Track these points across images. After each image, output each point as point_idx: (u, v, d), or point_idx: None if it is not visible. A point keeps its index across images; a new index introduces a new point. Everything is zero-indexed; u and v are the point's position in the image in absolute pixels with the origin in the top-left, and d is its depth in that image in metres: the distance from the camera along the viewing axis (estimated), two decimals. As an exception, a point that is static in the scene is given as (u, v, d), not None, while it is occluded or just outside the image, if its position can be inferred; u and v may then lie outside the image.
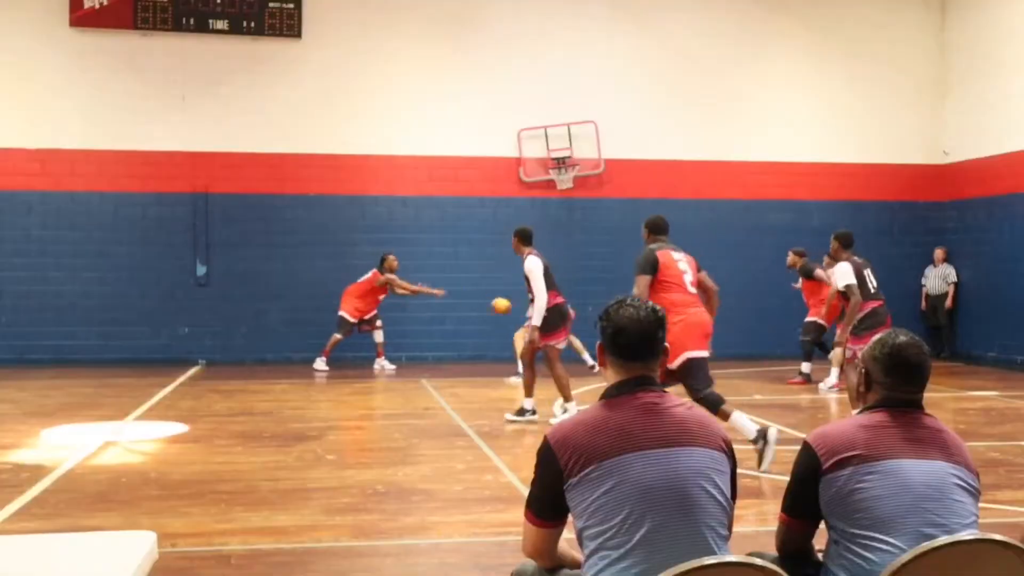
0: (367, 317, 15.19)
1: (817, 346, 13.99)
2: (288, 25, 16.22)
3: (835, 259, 10.82)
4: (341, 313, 15.01)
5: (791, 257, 14.29)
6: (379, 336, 15.41)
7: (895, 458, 3.06)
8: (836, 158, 17.68)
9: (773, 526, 3.35)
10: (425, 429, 9.86)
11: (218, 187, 16.08)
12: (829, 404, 12.10)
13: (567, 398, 10.17)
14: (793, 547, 3.28)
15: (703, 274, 8.74)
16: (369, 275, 15.09)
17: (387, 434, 9.75)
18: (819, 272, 13.83)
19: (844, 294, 10.20)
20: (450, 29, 16.77)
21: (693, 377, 7.94)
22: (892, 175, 17.80)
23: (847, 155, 17.70)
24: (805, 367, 13.78)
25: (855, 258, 10.40)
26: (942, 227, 17.77)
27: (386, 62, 16.56)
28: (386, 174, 16.57)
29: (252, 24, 16.14)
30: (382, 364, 15.36)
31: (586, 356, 14.65)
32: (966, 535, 2.87)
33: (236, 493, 7.06)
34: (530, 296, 10.17)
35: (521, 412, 10.26)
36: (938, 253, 17.35)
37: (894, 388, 3.20)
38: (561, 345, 10.28)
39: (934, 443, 3.13)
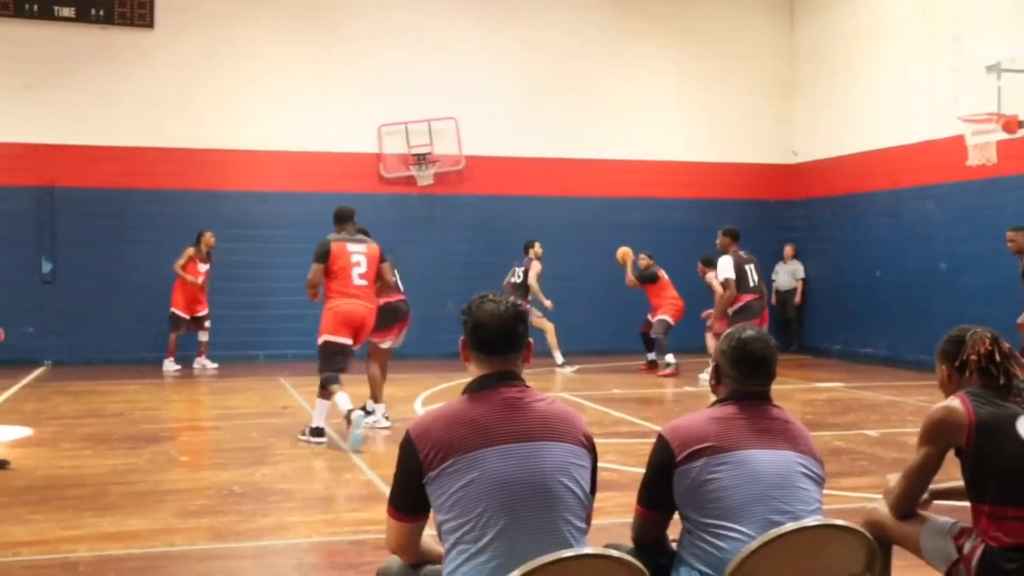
0: (199, 314, 14.83)
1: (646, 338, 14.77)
2: (140, 14, 15.72)
3: (724, 252, 11.24)
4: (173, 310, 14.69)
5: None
6: (204, 336, 15.07)
7: (744, 449, 3.15)
8: (692, 157, 18.11)
9: (630, 518, 3.41)
10: (283, 428, 9.70)
11: (65, 181, 15.47)
12: (683, 398, 12.38)
13: (376, 398, 9.81)
14: (648, 538, 3.35)
15: (385, 265, 9.16)
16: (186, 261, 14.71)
17: (244, 434, 9.55)
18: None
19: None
20: (310, 22, 16.54)
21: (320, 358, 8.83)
22: (745, 174, 18.34)
23: (703, 154, 18.16)
24: (670, 357, 14.22)
25: (740, 253, 10.91)
26: (791, 224, 18.40)
27: (243, 55, 16.22)
28: (243, 169, 16.23)
29: (101, 12, 15.58)
30: (203, 363, 15.03)
31: (557, 354, 14.56)
32: (810, 521, 2.97)
33: (84, 498, 6.81)
34: None
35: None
36: (787, 250, 17.96)
37: (741, 381, 3.30)
38: (386, 344, 9.89)
39: (781, 434, 3.23)
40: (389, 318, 9.71)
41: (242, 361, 15.52)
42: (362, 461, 8.14)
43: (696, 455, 3.14)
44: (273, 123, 16.29)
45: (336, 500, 6.98)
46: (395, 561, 3.26)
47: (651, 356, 14.61)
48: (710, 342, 11.81)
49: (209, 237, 14.78)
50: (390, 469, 3.14)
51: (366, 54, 16.65)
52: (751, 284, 11.02)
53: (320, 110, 16.45)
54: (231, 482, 7.35)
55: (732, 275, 10.82)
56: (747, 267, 11.09)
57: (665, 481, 3.19)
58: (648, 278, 14.73)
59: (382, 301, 9.48)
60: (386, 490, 3.18)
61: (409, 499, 3.04)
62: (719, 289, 12.13)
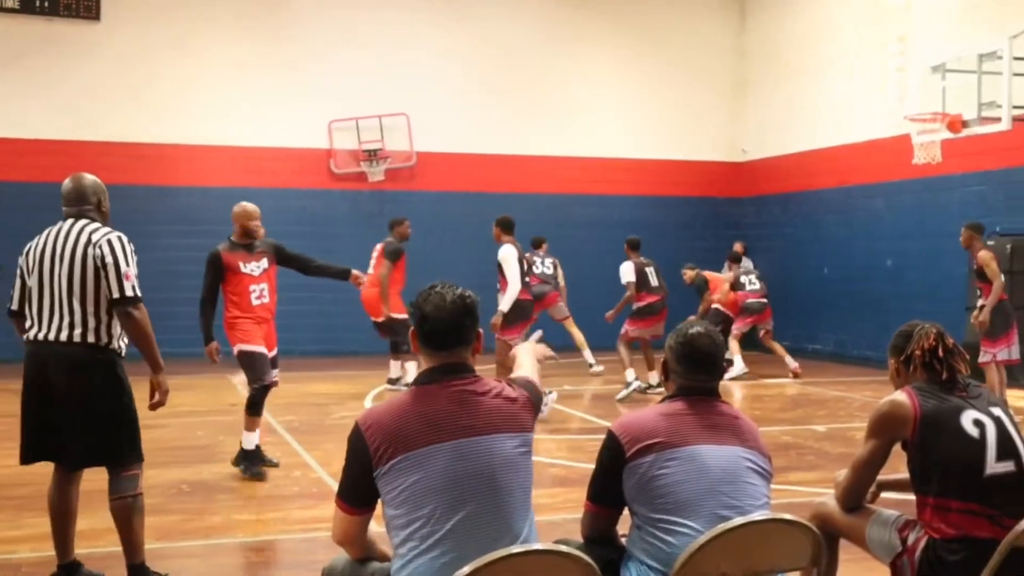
0: None
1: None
2: (86, 6, 15.49)
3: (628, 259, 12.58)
4: None
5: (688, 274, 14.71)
6: None
7: (693, 444, 3.17)
8: (642, 154, 18.19)
9: (581, 514, 3.42)
10: (231, 426, 9.58)
11: (5, 175, 15.20)
12: (633, 395, 12.42)
13: None
14: (598, 533, 3.35)
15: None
16: None
17: (191, 432, 9.45)
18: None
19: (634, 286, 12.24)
20: (260, 16, 16.39)
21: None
22: (694, 171, 18.46)
23: (653, 151, 18.25)
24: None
25: (640, 259, 12.35)
26: (741, 222, 18.55)
27: (191, 48, 16.03)
28: (191, 164, 16.05)
29: (46, 4, 15.33)
30: None
31: (587, 353, 13.83)
32: (758, 516, 2.99)
33: (27, 498, 6.67)
34: None
35: None
36: (737, 247, 18.07)
37: (687, 376, 3.33)
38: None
39: (729, 429, 3.25)
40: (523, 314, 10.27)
41: (191, 358, 15.33)
42: (312, 459, 8.08)
43: (645, 451, 3.14)
44: (222, 118, 16.12)
45: (286, 498, 6.92)
46: (340, 559, 3.24)
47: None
48: (622, 349, 12.27)
49: None
50: (339, 466, 3.12)
51: (317, 49, 16.53)
52: (652, 285, 12.33)
53: (270, 105, 16.31)
54: (179, 480, 7.28)
55: (633, 279, 12.24)
56: (647, 270, 12.39)
57: (614, 477, 3.20)
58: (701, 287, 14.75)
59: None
60: (336, 487, 3.16)
61: (358, 492, 3.02)
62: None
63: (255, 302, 7.56)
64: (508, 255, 10.29)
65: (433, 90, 16.99)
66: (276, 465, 7.76)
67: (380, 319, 12.31)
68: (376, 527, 3.08)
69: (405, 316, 12.02)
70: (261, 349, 7.55)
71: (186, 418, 10.44)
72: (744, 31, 18.75)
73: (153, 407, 4.95)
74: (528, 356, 3.55)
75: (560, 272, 13.47)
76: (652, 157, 18.24)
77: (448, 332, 3.07)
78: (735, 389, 12.87)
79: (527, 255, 11.40)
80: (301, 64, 16.46)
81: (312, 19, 16.58)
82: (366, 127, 16.64)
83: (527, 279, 10.52)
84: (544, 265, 13.12)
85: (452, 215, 16.98)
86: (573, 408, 10.94)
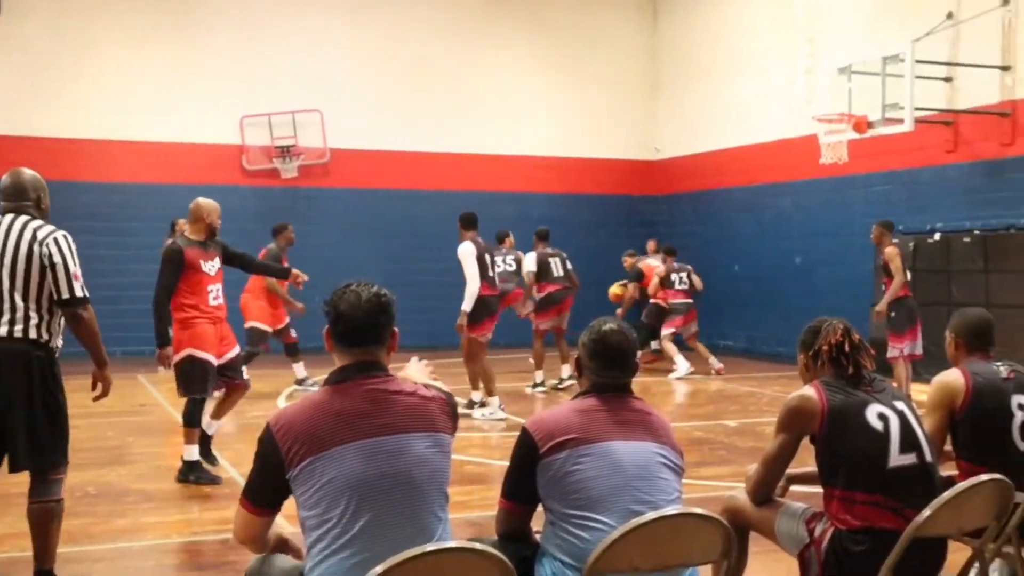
0: None
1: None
2: (-14, -3, 15.05)
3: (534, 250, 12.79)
4: None
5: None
6: None
7: (606, 440, 3.20)
8: (558, 152, 18.29)
9: (495, 511, 3.42)
10: (141, 426, 9.44)
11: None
12: (548, 393, 12.48)
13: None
14: (512, 530, 3.37)
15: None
16: None
17: (99, 433, 9.24)
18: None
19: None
20: (169, 8, 16.09)
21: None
22: (609, 169, 18.62)
23: (567, 149, 18.35)
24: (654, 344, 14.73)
25: (547, 250, 12.61)
26: (654, 219, 18.75)
27: (97, 40, 15.68)
28: (98, 159, 15.69)
29: (-56, -6, 14.86)
30: None
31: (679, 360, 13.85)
32: (670, 510, 3.03)
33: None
34: None
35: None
36: (650, 244, 18.22)
37: (600, 372, 3.35)
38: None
39: (642, 425, 3.29)
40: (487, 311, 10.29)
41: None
42: (224, 459, 7.96)
43: (559, 447, 3.16)
44: (130, 112, 15.79)
45: (197, 499, 6.82)
46: (257, 560, 3.20)
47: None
48: (537, 345, 12.45)
49: None
50: (248, 467, 3.07)
51: (229, 43, 16.29)
52: (554, 276, 12.50)
53: (180, 99, 16.02)
54: (85, 483, 7.12)
55: (534, 268, 12.47)
56: (551, 260, 12.55)
57: (528, 473, 3.21)
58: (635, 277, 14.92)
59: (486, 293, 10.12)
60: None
61: (265, 493, 3.00)
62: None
63: (212, 303, 7.24)
64: (466, 252, 10.23)
65: (347, 86, 16.87)
66: (215, 463, 7.58)
67: (280, 326, 12.13)
68: (291, 527, 3.05)
69: (261, 325, 11.86)
70: (211, 359, 7.18)
71: (94, 419, 10.18)
72: (657, 31, 18.96)
73: (97, 398, 4.89)
74: (417, 374, 3.49)
75: (525, 268, 13.21)
76: (567, 155, 18.35)
77: (362, 330, 3.05)
78: (653, 386, 13.01)
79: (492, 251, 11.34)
80: (212, 58, 16.21)
81: (225, 12, 16.33)
82: (279, 123, 16.44)
83: (492, 275, 10.40)
84: (506, 263, 12.91)
85: (366, 212, 16.89)
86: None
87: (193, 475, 7.23)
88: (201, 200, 7.38)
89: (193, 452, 7.29)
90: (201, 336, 7.13)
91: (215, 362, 7.23)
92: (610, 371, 3.35)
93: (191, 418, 7.25)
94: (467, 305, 10.14)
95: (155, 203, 15.61)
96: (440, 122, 17.53)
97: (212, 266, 7.26)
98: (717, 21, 17.43)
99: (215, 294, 7.26)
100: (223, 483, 7.21)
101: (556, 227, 17.58)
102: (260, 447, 2.98)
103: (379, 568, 2.52)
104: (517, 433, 3.34)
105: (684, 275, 14.38)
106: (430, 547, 2.60)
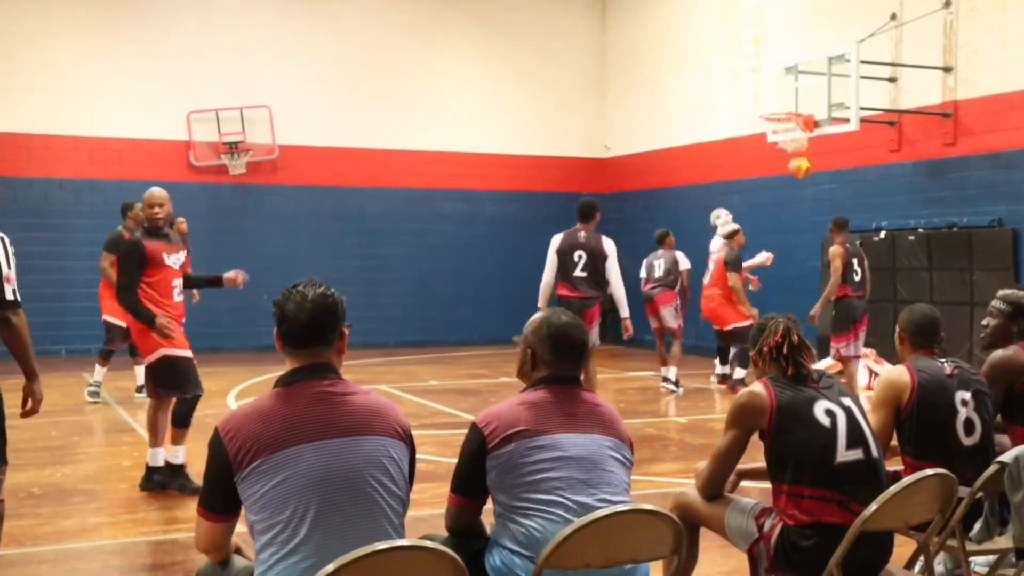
0: None
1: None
2: (-75, -12, 14.74)
3: None
4: None
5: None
6: None
7: (556, 433, 3.21)
8: (507, 149, 18.29)
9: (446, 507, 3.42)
10: (87, 425, 9.31)
11: None
12: (500, 388, 12.51)
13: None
14: (462, 525, 3.37)
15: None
16: None
17: (43, 432, 9.09)
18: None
19: None
20: (113, 1, 15.86)
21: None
22: (558, 167, 18.66)
23: (517, 147, 18.37)
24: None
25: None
26: (605, 217, 18.59)
27: (41, 33, 15.41)
28: (41, 154, 15.43)
29: None
30: None
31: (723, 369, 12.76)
32: (621, 507, 3.04)
33: None
34: None
35: None
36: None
37: (557, 365, 3.37)
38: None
39: (591, 417, 3.31)
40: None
41: (41, 356, 14.75)
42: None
43: (508, 440, 3.17)
44: (73, 106, 15.55)
45: (145, 499, 6.72)
46: (208, 565, 3.17)
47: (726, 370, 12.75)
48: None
49: None
50: (201, 466, 3.05)
51: (175, 37, 16.09)
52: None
53: (124, 94, 15.80)
54: (29, 483, 7.01)
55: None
56: (655, 263, 12.70)
57: (478, 468, 3.22)
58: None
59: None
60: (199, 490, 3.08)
61: (219, 498, 2.95)
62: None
63: (177, 298, 6.81)
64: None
65: (296, 83, 16.75)
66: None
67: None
68: (240, 527, 3.02)
69: (116, 320, 10.35)
70: (189, 354, 6.79)
71: (38, 418, 10.03)
72: (605, 29, 19.03)
73: (26, 415, 4.64)
74: None
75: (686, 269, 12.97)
76: (517, 152, 18.36)
77: (308, 331, 3.01)
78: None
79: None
80: (159, 52, 16.00)
81: (172, 5, 16.13)
82: (227, 119, 16.28)
83: (575, 274, 9.37)
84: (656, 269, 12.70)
85: (316, 209, 16.79)
86: (440, 403, 10.94)
87: (178, 482, 6.79)
88: (155, 189, 6.93)
89: (179, 454, 6.86)
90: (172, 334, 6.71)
91: (191, 356, 6.81)
92: (565, 363, 3.37)
93: (183, 419, 6.81)
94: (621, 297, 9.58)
95: (99, 199, 15.40)
96: (389, 119, 17.47)
97: (176, 260, 6.84)
98: (665, 20, 17.53)
99: (179, 289, 6.88)
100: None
101: (506, 224, 17.69)
102: (209, 452, 2.94)
103: (330, 567, 2.50)
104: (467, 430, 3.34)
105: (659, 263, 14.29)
106: (381, 546, 2.59)
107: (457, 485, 3.34)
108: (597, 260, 9.31)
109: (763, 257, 12.94)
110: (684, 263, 12.99)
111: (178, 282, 6.87)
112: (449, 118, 17.90)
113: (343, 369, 3.12)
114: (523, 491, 3.14)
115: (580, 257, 9.37)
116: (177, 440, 6.87)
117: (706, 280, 12.87)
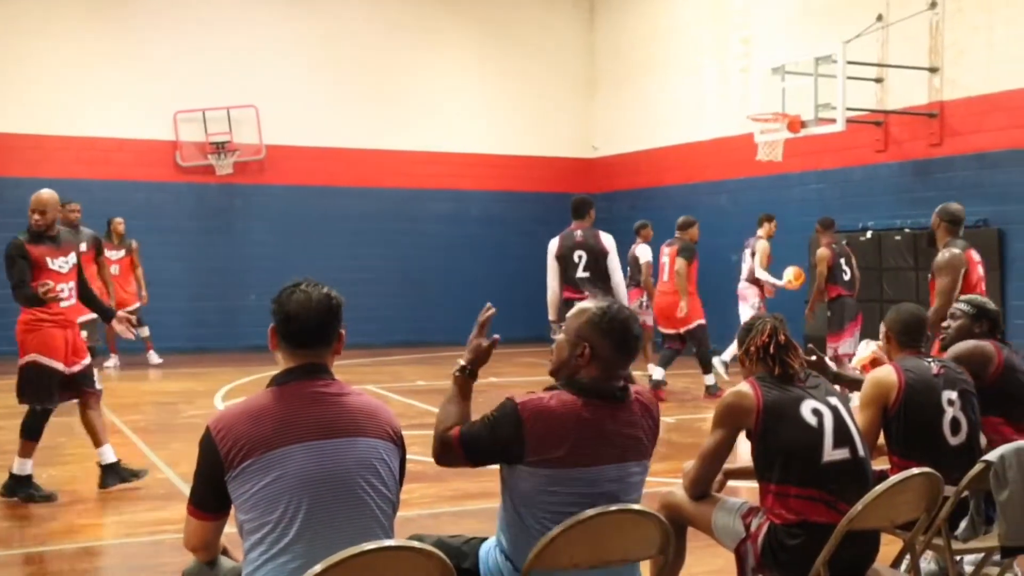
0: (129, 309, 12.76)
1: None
2: (-90, -13, 14.66)
3: None
4: None
5: None
6: (145, 330, 13.61)
7: (595, 465, 3.16)
8: (495, 149, 18.30)
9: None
10: (72, 426, 9.21)
11: None
12: (487, 389, 12.50)
13: None
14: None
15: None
16: None
17: (29, 434, 9.06)
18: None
19: None
20: (100, 1, 15.81)
21: None
22: (546, 167, 18.67)
23: (505, 147, 18.37)
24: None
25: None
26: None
27: (28, 33, 15.35)
28: (28, 154, 15.35)
29: None
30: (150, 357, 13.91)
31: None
32: (613, 507, 3.04)
33: None
34: None
35: None
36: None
37: (612, 364, 3.23)
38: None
39: (628, 442, 3.23)
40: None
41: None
42: (159, 459, 7.87)
43: (549, 462, 3.09)
44: (60, 106, 15.49)
45: (131, 500, 6.71)
46: (194, 565, 3.16)
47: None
48: None
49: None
50: (188, 467, 3.04)
51: (162, 37, 16.04)
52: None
53: (111, 94, 15.75)
54: (14, 485, 6.96)
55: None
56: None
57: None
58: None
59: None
60: (184, 488, 3.08)
61: (209, 497, 2.94)
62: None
63: (64, 304, 6.61)
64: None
65: (283, 83, 16.72)
66: (139, 476, 7.02)
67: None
68: (228, 527, 3.02)
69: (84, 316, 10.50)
70: (59, 367, 6.62)
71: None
72: (594, 28, 19.05)
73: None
74: None
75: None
76: (505, 152, 18.37)
77: (312, 332, 3.00)
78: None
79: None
80: (146, 52, 15.95)
81: (159, 5, 16.08)
82: (213, 119, 16.24)
83: (574, 275, 9.15)
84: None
85: (303, 209, 16.76)
86: (427, 403, 10.93)
87: (22, 491, 6.59)
88: (43, 191, 6.84)
89: (26, 466, 6.66)
90: (48, 342, 6.57)
91: (64, 370, 6.65)
92: (623, 360, 3.25)
93: (31, 430, 6.68)
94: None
95: (86, 200, 15.25)
96: (377, 119, 17.45)
97: (64, 263, 6.67)
98: (653, 20, 17.55)
99: (67, 294, 6.63)
100: (143, 488, 6.93)
101: (494, 225, 17.69)
102: (200, 450, 2.93)
103: (317, 567, 2.50)
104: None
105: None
106: (369, 546, 2.59)
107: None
108: (598, 258, 9.15)
109: (787, 278, 12.05)
110: (644, 256, 12.67)
111: (66, 287, 6.65)
112: (437, 118, 17.89)
113: (333, 370, 3.12)
114: (546, 518, 3.05)
115: (580, 257, 9.18)
116: (26, 452, 6.69)
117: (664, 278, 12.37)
